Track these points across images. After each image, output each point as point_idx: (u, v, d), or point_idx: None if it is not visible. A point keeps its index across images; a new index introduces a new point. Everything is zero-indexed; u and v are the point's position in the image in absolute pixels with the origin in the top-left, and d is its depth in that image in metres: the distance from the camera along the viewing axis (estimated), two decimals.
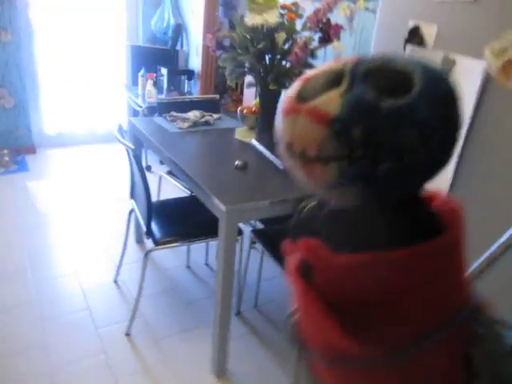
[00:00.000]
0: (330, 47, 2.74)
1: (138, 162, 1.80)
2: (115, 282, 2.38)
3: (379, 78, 0.57)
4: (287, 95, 0.63)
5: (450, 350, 0.65)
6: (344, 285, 0.62)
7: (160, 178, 2.75)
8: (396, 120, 0.54)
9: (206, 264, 2.60)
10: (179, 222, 2.08)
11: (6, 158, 3.79)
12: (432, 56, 1.64)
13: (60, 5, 3.92)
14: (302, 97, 0.60)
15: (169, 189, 2.88)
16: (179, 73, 4.15)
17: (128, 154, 2.04)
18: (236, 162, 1.84)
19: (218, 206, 1.53)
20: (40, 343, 1.93)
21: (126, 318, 2.09)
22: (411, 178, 0.59)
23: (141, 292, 2.02)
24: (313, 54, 2.10)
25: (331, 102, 0.56)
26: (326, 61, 2.40)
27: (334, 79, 0.59)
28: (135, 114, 4.18)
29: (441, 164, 0.59)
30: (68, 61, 4.16)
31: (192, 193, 2.39)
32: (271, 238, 2.00)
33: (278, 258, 1.84)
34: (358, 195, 0.61)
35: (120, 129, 2.00)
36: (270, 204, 1.56)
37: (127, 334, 2.01)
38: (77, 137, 4.45)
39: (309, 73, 0.64)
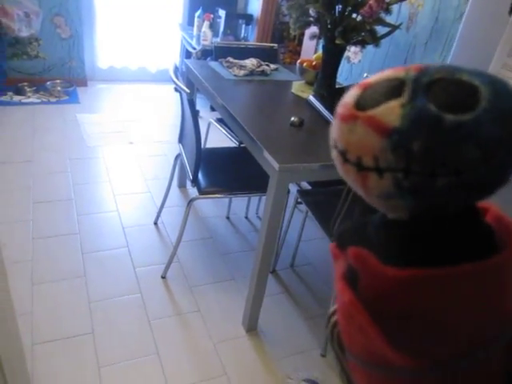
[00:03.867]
0: (406, 3, 2.53)
1: (192, 107, 1.74)
2: (155, 223, 2.40)
3: (443, 91, 0.55)
4: (345, 101, 0.62)
5: (495, 368, 0.64)
6: (390, 297, 0.61)
7: (209, 124, 2.70)
8: (459, 136, 0.53)
9: (246, 217, 2.58)
10: (226, 172, 2.04)
11: (59, 88, 3.82)
12: None
13: None
14: (360, 104, 0.59)
15: (216, 137, 2.83)
16: (237, 16, 3.98)
17: (181, 98, 1.98)
18: (292, 118, 1.75)
19: (270, 163, 1.46)
20: (80, 274, 1.98)
21: (163, 261, 2.11)
22: (468, 195, 0.58)
23: (181, 237, 2.03)
24: (388, 9, 1.92)
25: (391, 112, 0.55)
26: (399, 19, 2.19)
27: (394, 88, 0.57)
28: (188, 55, 4.08)
29: (501, 182, 0.58)
30: None
31: (241, 144, 2.33)
32: (317, 200, 1.93)
33: (321, 220, 1.78)
34: (411, 207, 0.60)
35: (175, 69, 1.93)
36: (322, 167, 1.48)
37: (163, 277, 2.04)
38: (128, 73, 4.42)
39: (368, 79, 0.62)
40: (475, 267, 0.57)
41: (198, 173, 1.86)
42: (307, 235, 2.43)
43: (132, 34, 4.26)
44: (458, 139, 0.53)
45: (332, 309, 0.75)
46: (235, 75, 2.23)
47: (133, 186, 2.71)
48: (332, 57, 2.08)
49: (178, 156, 2.21)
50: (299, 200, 1.96)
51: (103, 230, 2.29)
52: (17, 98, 3.62)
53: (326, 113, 1.86)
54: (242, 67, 2.29)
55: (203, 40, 3.55)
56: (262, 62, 2.40)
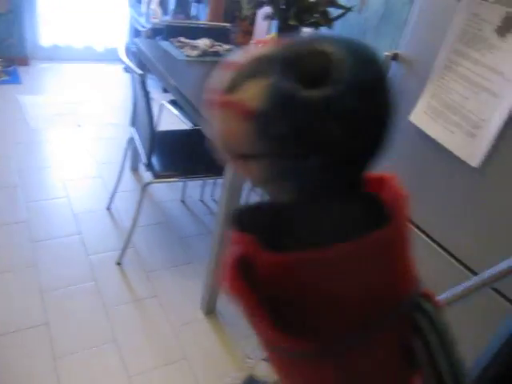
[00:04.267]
0: None
1: (144, 89, 1.68)
2: (108, 209, 2.33)
3: (304, 66, 0.51)
4: (213, 85, 0.57)
5: (391, 340, 0.64)
6: (276, 282, 0.60)
7: (161, 106, 2.63)
8: (319, 113, 0.50)
9: (201, 200, 2.56)
10: (181, 155, 2.01)
11: None
12: (492, 12, 1.46)
13: None
14: (229, 87, 0.54)
15: (169, 119, 2.77)
16: None
17: (132, 79, 1.91)
18: None
19: None
20: (30, 263, 1.90)
21: (117, 248, 2.06)
22: (344, 170, 0.56)
23: (135, 223, 1.98)
24: None
25: (256, 94, 0.51)
26: (351, 1, 2.19)
27: (262, 68, 0.53)
28: (137, 34, 3.94)
29: (374, 154, 0.56)
30: None
31: (195, 126, 2.29)
32: None
33: None
34: (293, 189, 0.58)
35: (127, 49, 1.86)
36: None
37: (118, 263, 2.00)
38: (73, 52, 4.21)
39: (236, 60, 0.57)
40: (352, 246, 0.55)
41: (151, 156, 1.82)
42: None
43: (77, 10, 4.05)
44: (318, 116, 0.49)
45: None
46: (187, 56, 2.18)
47: (83, 171, 2.62)
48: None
49: (130, 139, 2.14)
50: None
51: (53, 217, 2.20)
52: None
53: None
54: (194, 47, 2.24)
55: (153, 18, 3.43)
56: (215, 43, 2.36)
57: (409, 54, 1.46)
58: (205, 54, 2.24)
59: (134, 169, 2.69)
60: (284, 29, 2.03)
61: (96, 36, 4.23)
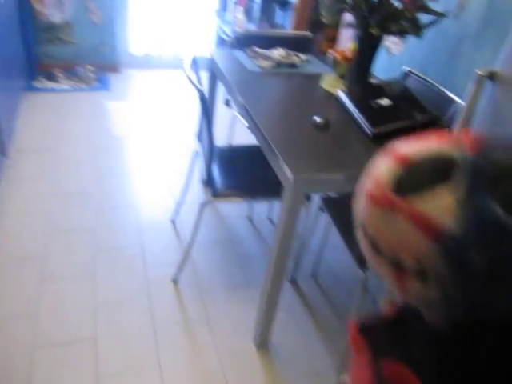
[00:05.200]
0: None
1: (205, 107, 1.59)
2: (172, 221, 2.29)
3: (509, 187, 0.43)
4: (377, 176, 0.50)
5: None
6: None
7: (235, 117, 2.55)
8: None
9: (269, 218, 2.43)
10: (244, 173, 1.89)
11: (90, 75, 3.77)
12: None
13: None
14: (400, 187, 0.47)
15: (245, 131, 2.68)
16: (273, 1, 3.78)
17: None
18: (315, 118, 1.58)
19: (284, 172, 1.30)
20: (89, 273, 1.90)
21: (176, 262, 2.00)
22: None
23: (194, 240, 1.91)
24: None
25: (445, 210, 0.43)
26: (446, 6, 1.93)
27: (442, 168, 0.45)
28: (222, 43, 3.93)
29: None
30: None
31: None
32: (342, 209, 1.75)
33: (345, 234, 1.60)
34: (459, 318, 0.49)
35: (194, 62, 1.79)
36: (348, 178, 1.31)
37: (174, 281, 1.93)
38: (162, 60, 4.32)
39: (406, 150, 0.49)
40: None
41: (210, 173, 1.72)
42: (333, 241, 2.26)
43: (167, 20, 4.15)
44: None
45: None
46: (260, 67, 2.06)
47: (154, 180, 2.62)
48: (367, 48, 1.88)
49: (196, 153, 2.08)
50: (322, 207, 1.79)
51: (118, 225, 2.21)
52: (48, 84, 3.61)
53: (356, 113, 1.67)
54: (268, 58, 2.12)
55: (237, 27, 3.39)
56: (292, 53, 2.22)
57: (509, 72, 1.20)
58: (279, 65, 2.11)
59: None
60: (365, 38, 1.83)
61: (184, 45, 4.30)
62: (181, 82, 4.13)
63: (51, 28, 3.65)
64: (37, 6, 3.34)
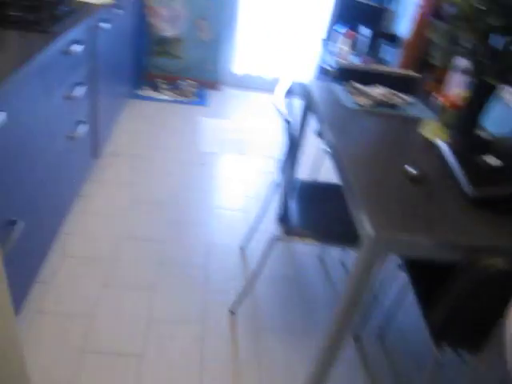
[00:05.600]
0: None
1: (290, 139, 1.51)
2: (241, 248, 2.23)
3: None
4: None
5: None
6: None
7: (323, 151, 2.45)
8: None
9: (342, 262, 2.28)
10: (322, 214, 1.78)
11: (191, 89, 3.90)
12: None
13: None
14: None
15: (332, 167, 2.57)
16: (381, 35, 3.65)
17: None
18: (408, 168, 1.43)
19: (364, 225, 1.17)
20: (149, 286, 1.89)
21: (237, 292, 1.93)
22: None
23: (258, 275, 1.82)
24: None
25: None
26: None
27: None
28: (323, 73, 3.87)
29: None
30: (270, 2, 3.99)
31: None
32: (423, 273, 1.56)
33: (422, 301, 1.42)
34: None
35: (290, 90, 1.73)
36: (439, 246, 1.14)
37: (231, 312, 1.85)
38: (261, 81, 4.36)
39: None
40: None
41: (286, 210, 1.63)
42: (409, 303, 2.04)
43: (272, 44, 4.20)
44: None
45: None
46: (358, 104, 1.95)
47: (231, 201, 2.59)
48: (480, 96, 1.69)
49: (277, 183, 2.00)
50: (400, 264, 1.62)
51: (187, 242, 2.19)
52: (151, 94, 3.78)
53: (456, 168, 1.48)
54: (367, 96, 2.00)
55: (341, 58, 3.30)
56: (394, 92, 2.08)
57: None
58: (379, 104, 1.98)
59: None
60: (479, 86, 1.64)
61: (286, 69, 4.31)
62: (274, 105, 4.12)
63: (162, 41, 3.85)
64: (153, 20, 3.53)
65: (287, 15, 4.06)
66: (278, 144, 3.38)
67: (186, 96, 3.85)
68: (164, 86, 3.88)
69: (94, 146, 2.46)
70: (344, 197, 1.87)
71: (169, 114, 3.52)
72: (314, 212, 1.77)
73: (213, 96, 4.04)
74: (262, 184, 2.82)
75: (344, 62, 3.31)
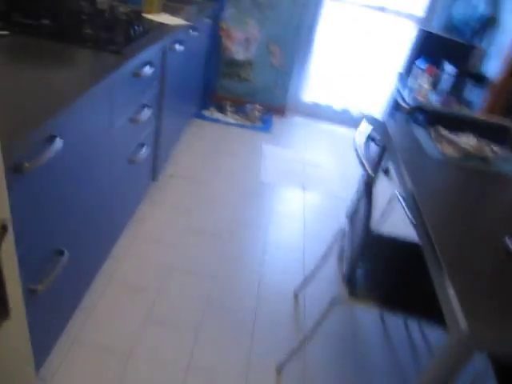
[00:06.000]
0: None
1: (368, 192, 1.33)
2: (296, 295, 2.05)
3: None
4: None
5: None
6: None
7: (391, 197, 2.24)
8: None
9: (406, 326, 2.03)
10: (398, 278, 1.57)
11: (256, 114, 3.81)
12: None
13: None
14: None
15: (399, 216, 2.34)
16: (467, 74, 3.38)
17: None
18: (509, 242, 1.20)
19: (453, 312, 0.96)
20: (193, 325, 1.75)
21: (286, 348, 1.74)
22: None
23: (314, 333, 1.64)
24: None
25: None
26: None
27: None
28: (397, 108, 3.65)
29: None
30: (349, 31, 3.85)
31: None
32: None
33: None
34: None
35: (371, 134, 1.56)
36: None
37: (278, 370, 1.67)
38: (330, 111, 4.21)
39: None
40: None
41: (353, 268, 1.44)
42: None
43: (345, 74, 4.04)
44: None
45: None
46: (443, 154, 1.74)
47: (288, 239, 2.42)
48: None
49: (341, 231, 1.82)
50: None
51: (237, 281, 2.04)
52: (216, 115, 3.73)
53: None
54: (454, 145, 1.78)
55: (419, 95, 3.08)
56: (484, 142, 1.84)
57: None
58: (466, 156, 1.75)
59: (341, 259, 2.34)
60: None
61: (356, 101, 4.14)
62: (344, 140, 3.93)
63: (233, 63, 3.80)
64: (226, 43, 3.49)
65: (364, 45, 3.89)
66: (342, 182, 3.19)
67: (250, 120, 3.76)
68: (230, 108, 3.81)
69: (154, 168, 2.40)
70: (421, 259, 1.65)
71: (231, 138, 3.44)
72: (388, 275, 1.56)
73: (278, 122, 3.93)
74: (323, 224, 2.63)
75: (422, 99, 3.09)
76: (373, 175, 1.31)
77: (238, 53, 3.57)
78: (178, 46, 2.20)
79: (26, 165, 0.95)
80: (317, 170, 3.25)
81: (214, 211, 2.51)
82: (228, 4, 3.50)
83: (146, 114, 1.89)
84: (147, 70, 1.76)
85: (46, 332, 1.36)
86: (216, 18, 3.34)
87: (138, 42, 1.74)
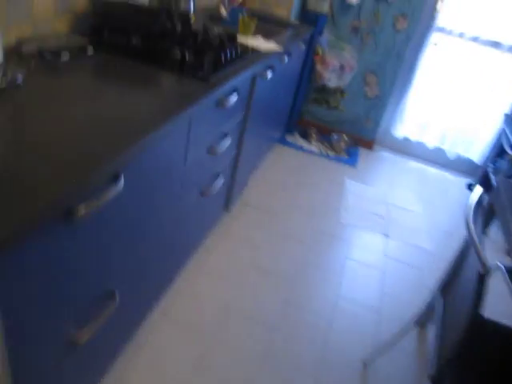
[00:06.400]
0: None
1: (481, 288, 1.07)
2: (365, 364, 1.79)
3: None
4: None
5: None
6: None
7: (494, 271, 1.90)
8: None
9: None
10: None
11: (342, 145, 3.58)
12: None
13: (478, 7, 3.24)
14: None
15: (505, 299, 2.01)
16: None
17: (469, 236, 1.32)
18: None
19: None
20: (247, 382, 1.57)
21: None
22: None
23: None
24: None
25: None
26: None
27: None
28: (501, 154, 3.25)
29: None
30: (455, 66, 3.50)
31: None
32: None
33: None
34: None
35: (477, 204, 1.29)
36: None
37: None
38: (421, 150, 3.86)
39: None
40: None
41: (444, 373, 1.17)
42: None
43: (442, 110, 3.69)
44: None
45: None
46: None
47: (362, 294, 2.16)
48: None
49: (429, 306, 1.55)
50: None
51: (299, 337, 1.83)
52: (300, 142, 3.55)
53: None
54: None
55: None
56: None
57: None
58: None
59: (422, 324, 2.04)
60: None
61: (452, 141, 3.76)
62: (434, 182, 3.58)
63: (324, 90, 3.62)
64: (319, 68, 3.31)
65: (469, 81, 3.53)
66: (430, 232, 2.86)
67: (335, 151, 3.54)
68: (315, 136, 3.62)
69: (227, 198, 2.27)
70: None
71: (313, 168, 3.24)
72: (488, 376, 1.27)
73: (364, 156, 3.67)
74: (405, 282, 2.34)
75: None
76: (490, 268, 1.05)
77: (331, 80, 3.38)
78: (269, 73, 2.07)
79: (82, 210, 0.83)
80: (402, 215, 2.95)
81: (285, 249, 2.32)
82: (326, 29, 3.34)
83: (226, 143, 1.76)
84: (233, 98, 1.63)
85: None
86: (311, 43, 3.18)
87: (228, 68, 1.61)
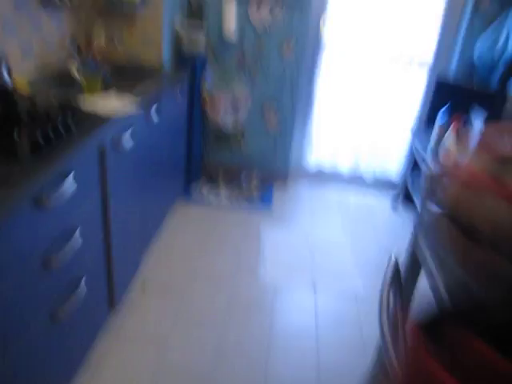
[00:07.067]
0: None
1: None
2: None
3: None
4: (469, 165, 0.68)
5: None
6: None
7: None
8: None
9: None
10: None
11: (253, 185, 3.28)
12: None
13: (360, 21, 3.12)
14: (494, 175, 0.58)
15: None
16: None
17: None
18: None
19: None
20: None
21: None
22: None
23: None
24: None
25: None
26: None
27: None
28: (416, 168, 3.09)
29: None
30: (351, 84, 3.35)
31: None
32: None
33: None
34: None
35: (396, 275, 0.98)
36: None
37: None
38: (337, 177, 3.65)
39: (498, 146, 0.64)
40: None
41: None
42: None
43: (351, 133, 3.52)
44: None
45: None
46: None
47: (293, 374, 1.79)
48: None
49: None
50: None
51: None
52: (206, 193, 3.18)
53: None
54: None
55: (444, 159, 2.51)
56: None
57: None
58: None
59: None
60: None
61: (365, 163, 3.58)
62: (355, 210, 3.34)
63: (222, 132, 3.30)
64: (210, 114, 3.01)
65: (372, 98, 3.39)
66: (361, 273, 2.57)
67: (247, 192, 3.21)
68: (222, 183, 3.28)
69: (110, 296, 1.82)
70: None
71: (223, 225, 2.86)
72: None
73: (279, 194, 3.37)
74: (341, 344, 2.00)
75: (449, 163, 2.52)
76: None
77: (226, 123, 3.09)
78: (126, 139, 1.68)
79: None
80: (328, 257, 2.65)
81: (197, 338, 1.91)
82: (210, 69, 3.05)
83: (75, 241, 1.34)
84: (65, 188, 1.23)
85: None
86: (194, 86, 2.87)
87: (56, 148, 1.21)
